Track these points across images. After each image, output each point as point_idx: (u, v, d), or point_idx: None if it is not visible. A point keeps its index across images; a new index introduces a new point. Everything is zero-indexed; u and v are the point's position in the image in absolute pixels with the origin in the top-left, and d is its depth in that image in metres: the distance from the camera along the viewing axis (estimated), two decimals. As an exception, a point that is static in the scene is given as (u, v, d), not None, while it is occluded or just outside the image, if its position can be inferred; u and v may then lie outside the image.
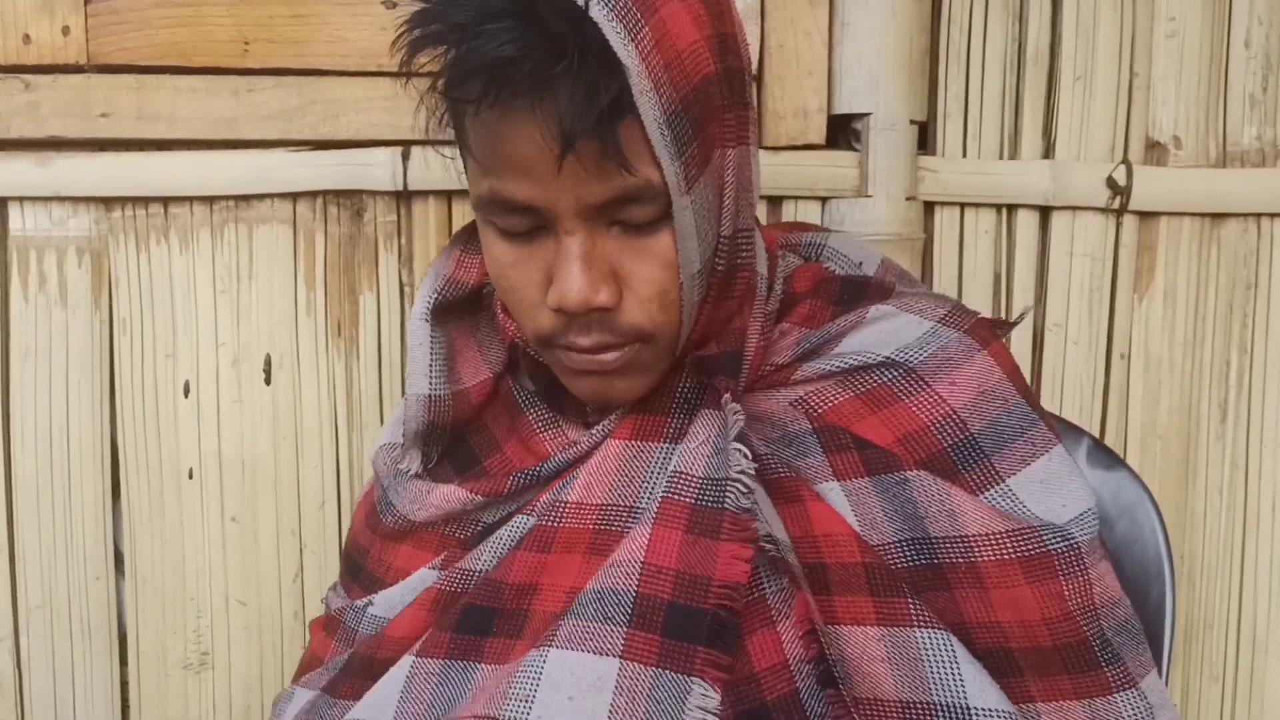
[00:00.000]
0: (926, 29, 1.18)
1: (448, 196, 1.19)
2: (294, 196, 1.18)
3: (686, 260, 0.71)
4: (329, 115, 1.17)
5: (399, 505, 0.84)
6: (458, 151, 0.74)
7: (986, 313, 1.20)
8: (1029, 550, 0.71)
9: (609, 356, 0.73)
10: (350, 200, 1.19)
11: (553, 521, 0.77)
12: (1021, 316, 0.89)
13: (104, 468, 1.22)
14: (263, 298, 1.20)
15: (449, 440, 0.85)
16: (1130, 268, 1.21)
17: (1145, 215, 1.20)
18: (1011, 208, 1.20)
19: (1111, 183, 1.18)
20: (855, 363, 0.77)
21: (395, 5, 1.15)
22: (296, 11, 1.16)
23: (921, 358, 0.76)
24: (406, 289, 1.20)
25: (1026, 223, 1.21)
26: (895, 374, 0.76)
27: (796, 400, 0.78)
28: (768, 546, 0.72)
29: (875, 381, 0.77)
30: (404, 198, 1.19)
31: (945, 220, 1.21)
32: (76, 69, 1.15)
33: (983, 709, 0.68)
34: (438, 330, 0.83)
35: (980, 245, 1.21)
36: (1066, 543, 0.71)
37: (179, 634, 1.23)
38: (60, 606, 1.23)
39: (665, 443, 0.77)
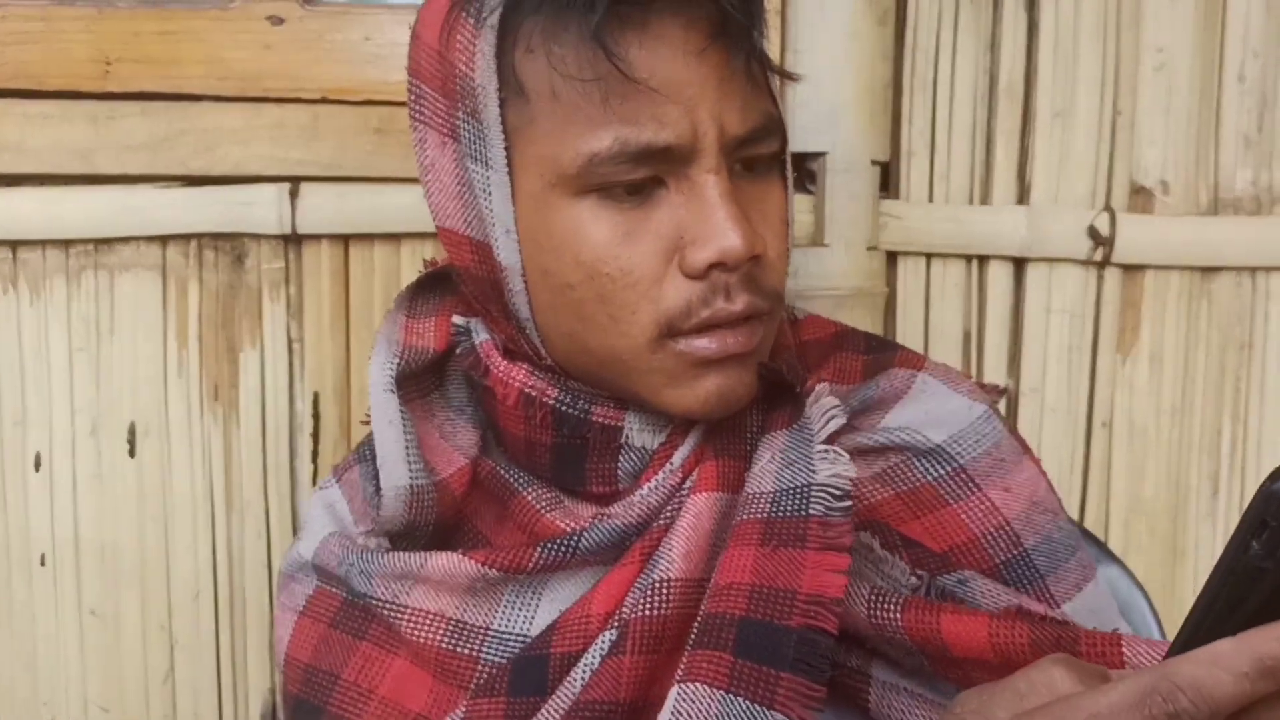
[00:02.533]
0: (889, 57, 1.05)
1: (344, 240, 1.05)
2: (163, 240, 1.04)
3: (791, 221, 0.69)
4: (203, 147, 1.03)
5: (380, 591, 0.69)
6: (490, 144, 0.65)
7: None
8: None
9: (745, 332, 0.65)
10: (229, 244, 1.05)
11: (664, 609, 0.62)
12: (1001, 392, 0.82)
13: (-60, 553, 1.06)
14: (127, 356, 1.05)
15: (426, 547, 0.71)
16: (1113, 326, 1.10)
17: (1129, 268, 1.09)
18: (983, 259, 1.09)
19: (1093, 232, 1.07)
20: (901, 441, 0.69)
21: (282, 22, 1.01)
22: (166, 28, 1.02)
23: (974, 454, 0.70)
24: (296, 345, 1.06)
25: (999, 275, 1.10)
26: (943, 471, 0.69)
27: None
28: None
29: (919, 479, 0.69)
30: (292, 241, 1.04)
31: (910, 272, 1.09)
32: (-95, 91, 1.01)
33: None
34: (405, 407, 0.70)
35: (948, 300, 1.09)
36: None
37: (28, 744, 1.07)
38: (-112, 713, 1.07)
39: None
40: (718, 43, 0.62)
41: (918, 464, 0.69)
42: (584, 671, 0.62)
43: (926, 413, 0.71)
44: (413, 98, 0.68)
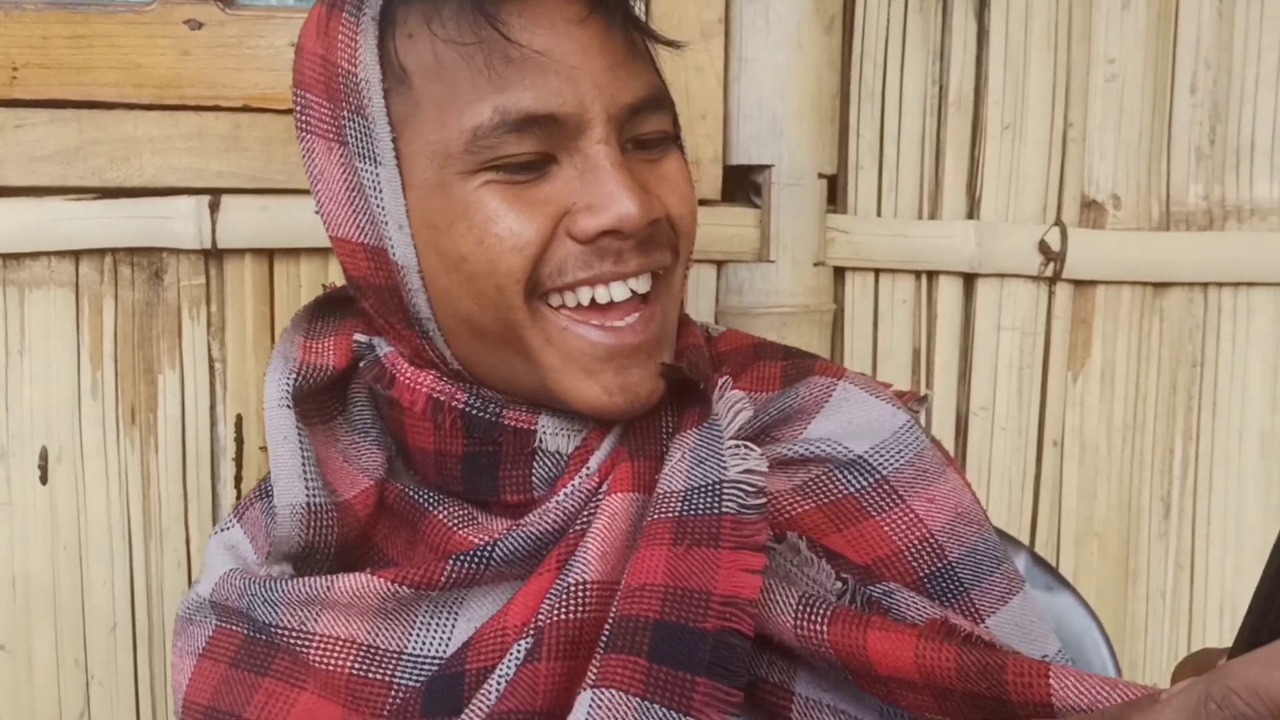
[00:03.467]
0: (837, 67, 1.02)
1: (268, 255, 1.00)
2: (76, 255, 1.00)
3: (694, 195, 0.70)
4: (118, 157, 0.98)
5: (285, 624, 0.66)
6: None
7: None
8: None
9: (640, 331, 0.66)
10: (146, 259, 1.01)
11: (581, 611, 0.60)
12: (922, 400, 0.80)
13: None
14: (38, 377, 1.01)
15: (331, 571, 0.68)
16: (1064, 343, 1.08)
17: (1080, 284, 1.07)
18: (932, 274, 1.07)
19: (1044, 247, 1.05)
20: (822, 453, 0.69)
21: (201, 26, 0.96)
22: (77, 32, 0.97)
23: (897, 465, 0.69)
24: (217, 366, 1.01)
25: (949, 291, 1.07)
26: (865, 483, 0.68)
27: None
28: None
29: (841, 491, 0.68)
30: (213, 256, 1.00)
31: (858, 288, 1.06)
32: None
33: None
34: (302, 424, 0.68)
35: (897, 317, 1.07)
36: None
37: (-65, 787, 1.02)
38: None
39: None
40: (598, 12, 0.63)
41: (839, 476, 0.68)
42: (499, 682, 0.61)
43: (848, 422, 0.70)
44: (298, 109, 0.68)
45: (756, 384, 0.75)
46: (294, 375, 0.69)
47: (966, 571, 0.68)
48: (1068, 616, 0.86)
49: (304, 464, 0.67)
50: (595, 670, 0.58)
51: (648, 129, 0.66)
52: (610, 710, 0.56)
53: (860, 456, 0.69)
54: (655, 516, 0.63)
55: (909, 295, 1.06)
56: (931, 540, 0.68)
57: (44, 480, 1.01)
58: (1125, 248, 1.06)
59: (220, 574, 0.71)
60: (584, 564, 0.62)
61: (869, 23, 1.03)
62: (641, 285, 0.66)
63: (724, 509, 0.61)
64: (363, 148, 0.65)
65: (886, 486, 0.68)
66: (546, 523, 0.65)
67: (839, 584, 0.64)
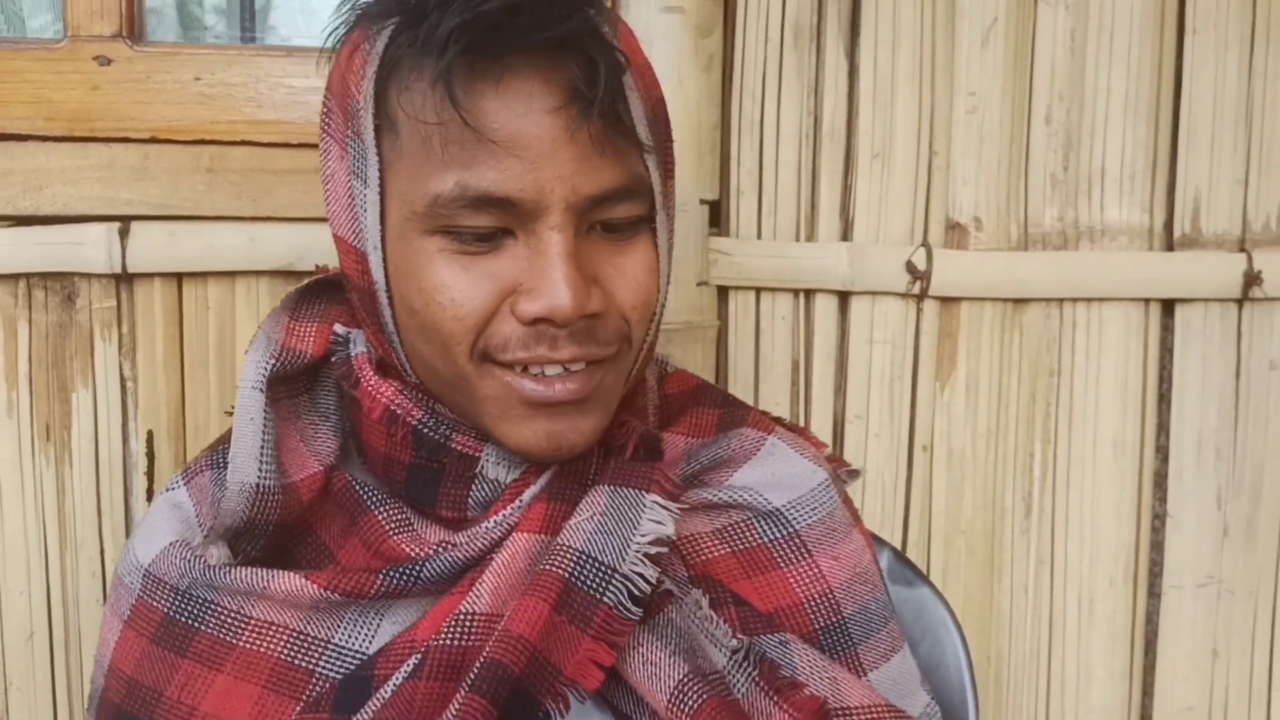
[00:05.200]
0: (717, 101, 1.09)
1: (177, 278, 1.05)
2: None
3: (662, 283, 0.69)
4: (31, 187, 1.02)
5: (217, 610, 0.69)
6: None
7: (784, 408, 1.13)
8: None
9: (575, 385, 0.67)
10: (59, 284, 1.04)
11: (465, 640, 0.64)
12: (855, 474, 0.84)
13: None
14: None
15: (265, 548, 0.72)
16: (932, 355, 1.15)
17: (946, 300, 1.14)
18: (809, 292, 1.13)
19: (911, 267, 1.11)
20: (741, 500, 0.73)
21: (110, 62, 1.00)
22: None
23: (809, 521, 0.74)
24: (129, 384, 1.05)
25: (825, 308, 1.13)
26: (779, 535, 0.73)
27: (671, 545, 0.70)
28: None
29: (756, 540, 0.73)
30: (124, 280, 1.04)
31: (740, 306, 1.12)
32: None
33: None
34: (269, 408, 0.71)
35: (777, 332, 1.13)
36: None
37: None
38: None
39: None
40: (574, 102, 0.62)
41: (756, 525, 0.73)
42: (385, 692, 0.65)
43: (772, 474, 0.75)
44: (323, 111, 0.70)
45: (694, 429, 0.78)
46: (272, 361, 0.71)
47: (857, 628, 0.73)
48: (925, 607, 0.92)
49: (262, 447, 0.70)
50: (458, 704, 0.62)
51: (616, 215, 0.66)
52: None
53: (778, 509, 0.74)
54: (548, 567, 0.66)
55: (788, 312, 1.13)
56: (830, 596, 0.73)
57: None
58: (986, 267, 1.13)
59: (163, 545, 0.73)
60: (477, 595, 0.66)
61: (747, 60, 1.10)
62: (575, 368, 0.67)
63: (605, 598, 0.65)
64: (358, 167, 0.67)
65: (797, 540, 0.73)
66: (473, 548, 0.68)
67: (735, 642, 0.68)
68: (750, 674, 0.68)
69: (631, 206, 0.66)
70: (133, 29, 1.02)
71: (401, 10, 0.64)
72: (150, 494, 1.06)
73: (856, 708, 0.69)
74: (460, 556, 0.68)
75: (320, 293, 0.78)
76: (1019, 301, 1.15)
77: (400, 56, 0.64)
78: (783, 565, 0.73)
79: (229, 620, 0.69)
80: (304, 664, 0.68)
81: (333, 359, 0.74)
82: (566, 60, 0.62)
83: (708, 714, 0.64)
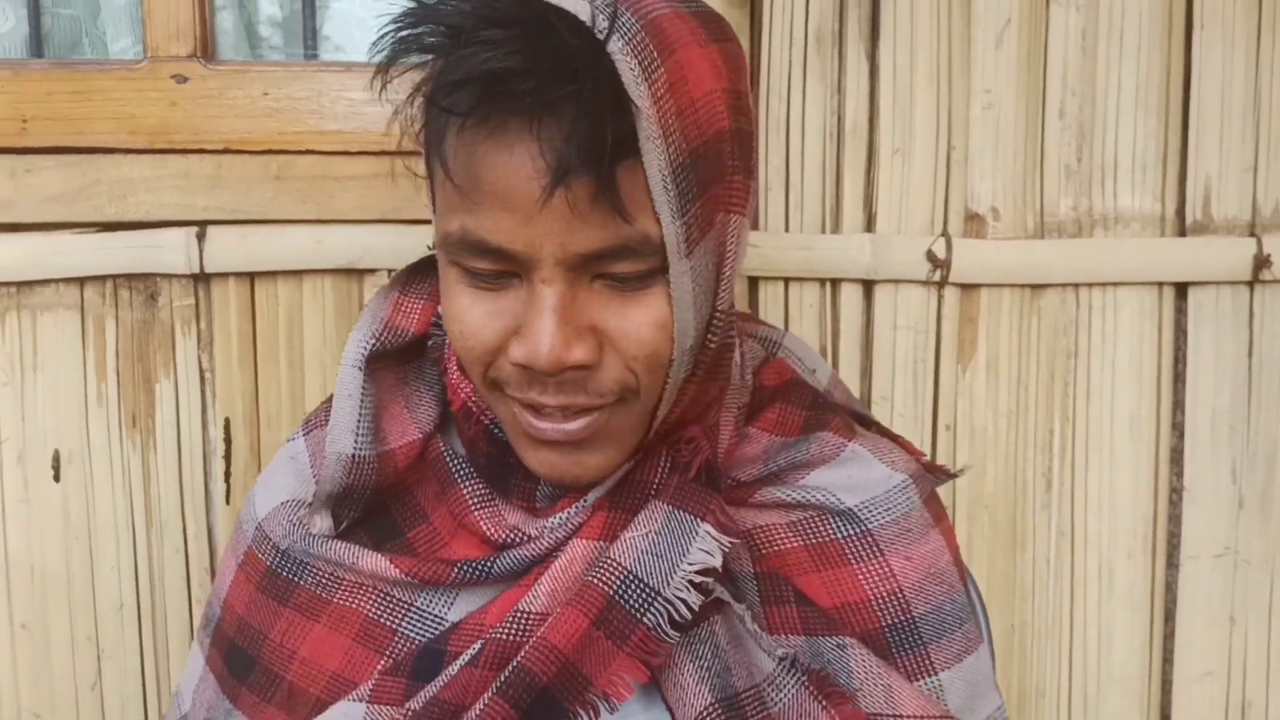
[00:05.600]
0: (744, 103, 1.15)
1: (249, 278, 1.13)
2: (81, 281, 1.12)
3: (682, 331, 0.66)
4: (116, 196, 1.11)
5: (315, 570, 0.74)
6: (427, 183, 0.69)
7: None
8: None
9: (575, 425, 0.67)
10: (143, 284, 1.13)
11: (518, 636, 0.68)
12: (962, 471, 0.86)
13: (-124, 576, 1.13)
14: (50, 389, 1.13)
15: (365, 508, 0.75)
16: (953, 339, 1.21)
17: (966, 287, 1.20)
18: (835, 282, 1.19)
19: (931, 256, 1.18)
20: (816, 500, 0.74)
21: (186, 80, 1.09)
22: (78, 87, 1.09)
23: (883, 521, 0.74)
24: (207, 376, 1.14)
25: (850, 296, 1.20)
26: (851, 531, 0.73)
27: (744, 534, 0.73)
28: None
29: (828, 535, 0.74)
30: (201, 280, 1.13)
31: (770, 295, 1.19)
32: None
33: None
34: (367, 383, 0.74)
35: (806, 320, 1.19)
36: None
37: (-35, 751, 1.15)
38: None
39: None
40: (572, 161, 0.60)
41: (830, 521, 0.74)
42: (451, 670, 0.68)
43: (848, 477, 0.75)
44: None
45: (779, 426, 0.77)
46: (372, 341, 0.74)
47: (928, 628, 0.73)
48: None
49: (359, 421, 0.73)
50: (483, 704, 0.65)
51: (616, 271, 0.64)
52: None
53: (850, 508, 0.74)
54: (595, 581, 0.67)
55: (815, 301, 1.19)
56: (899, 595, 0.73)
57: (56, 479, 1.13)
58: (1005, 254, 1.19)
59: (276, 502, 0.78)
60: (535, 595, 0.68)
61: (773, 63, 1.16)
62: (577, 429, 0.67)
63: (645, 619, 0.66)
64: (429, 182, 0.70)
65: (870, 539, 0.73)
66: (540, 547, 0.71)
67: (781, 651, 0.69)
68: (798, 681, 0.69)
69: (632, 264, 0.64)
70: (206, 49, 1.11)
71: (432, 48, 0.63)
72: (228, 476, 1.14)
73: (910, 717, 0.70)
74: (527, 555, 0.71)
75: (432, 269, 0.77)
76: (1036, 287, 1.21)
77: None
78: (853, 562, 0.73)
79: (324, 579, 0.74)
80: (389, 622, 0.72)
81: (430, 343, 0.76)
82: (562, 116, 0.59)
83: None
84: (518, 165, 0.61)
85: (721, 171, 0.66)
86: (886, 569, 0.73)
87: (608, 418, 0.68)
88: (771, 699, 0.69)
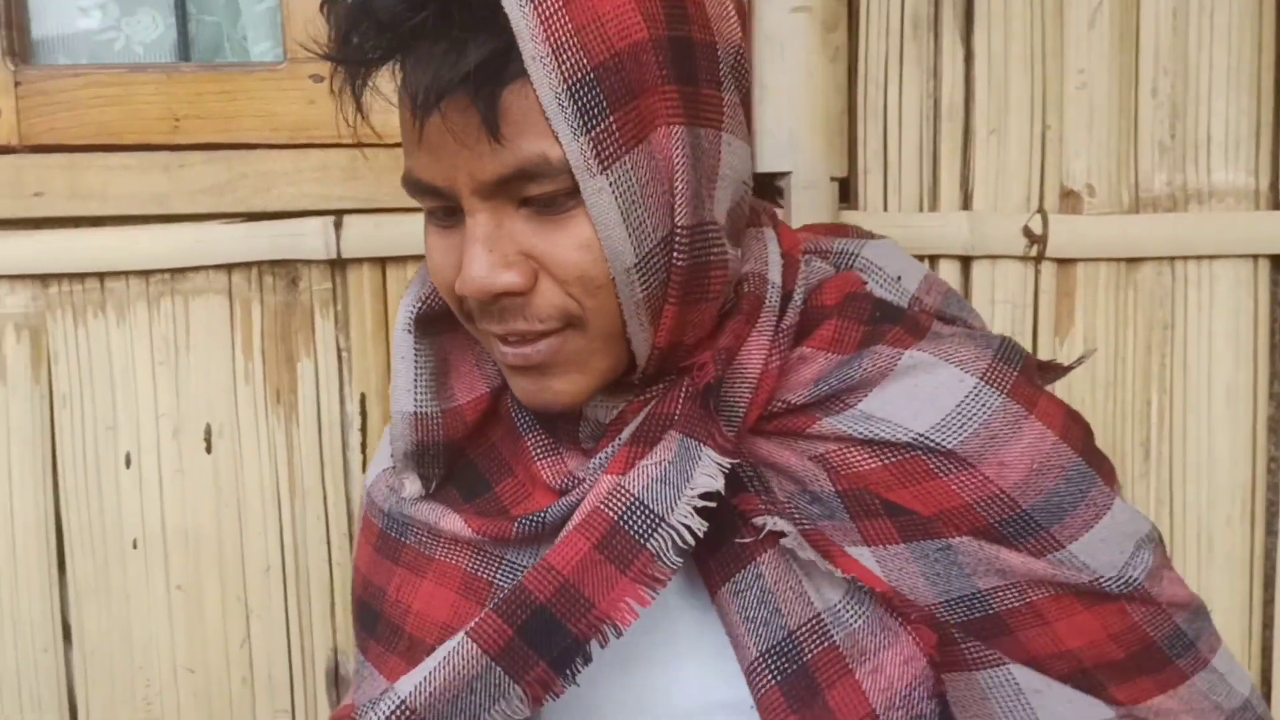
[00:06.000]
0: (843, 89, 1.21)
1: (382, 263, 1.21)
2: (229, 268, 1.20)
3: (615, 251, 0.64)
4: (260, 188, 1.19)
5: (415, 530, 0.77)
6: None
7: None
8: (1084, 585, 0.69)
9: (529, 349, 0.68)
10: (285, 269, 1.21)
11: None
12: (1082, 360, 0.83)
13: (49, 541, 1.23)
14: (201, 368, 1.22)
15: (450, 461, 0.78)
16: (1050, 313, 1.24)
17: (1063, 262, 1.23)
18: (934, 258, 1.23)
19: (1028, 232, 1.22)
20: (881, 435, 0.69)
21: (323, 79, 1.18)
22: (225, 88, 1.18)
23: (962, 438, 0.69)
24: (344, 354, 1.22)
25: (948, 272, 1.24)
26: (928, 454, 0.69)
27: (816, 457, 0.71)
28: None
29: (906, 454, 0.69)
30: (338, 265, 1.21)
31: (869, 272, 1.23)
32: (8, 150, 1.17)
33: None
34: (424, 342, 0.75)
35: (904, 295, 1.24)
36: (1122, 581, 0.70)
37: (129, 703, 1.24)
38: (9, 680, 1.24)
39: None
40: (433, 90, 0.61)
41: (905, 451, 0.70)
42: None
43: (910, 391, 0.70)
44: None
45: (835, 344, 0.73)
46: (420, 304, 0.75)
47: (1043, 515, 0.69)
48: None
49: (415, 379, 0.75)
50: (478, 620, 0.66)
51: (531, 193, 0.64)
52: (465, 660, 0.66)
53: (921, 435, 0.69)
54: (602, 507, 0.67)
55: None
56: (1002, 496, 0.68)
57: (208, 451, 1.22)
58: (1100, 230, 1.23)
59: (379, 469, 0.81)
60: (565, 531, 0.69)
61: (870, 50, 1.21)
62: (533, 352, 0.68)
63: (649, 544, 0.66)
64: None
65: (954, 457, 0.69)
66: (585, 490, 0.71)
67: (840, 590, 0.68)
68: (867, 609, 0.68)
69: (541, 186, 0.63)
70: (340, 51, 1.19)
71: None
72: (364, 447, 1.22)
73: (1027, 582, 0.69)
74: (574, 500, 0.71)
75: None
76: (1132, 261, 1.24)
77: None
78: (941, 475, 0.69)
79: (424, 538, 0.77)
80: (485, 575, 0.75)
81: None
82: (428, 45, 0.61)
83: (771, 700, 0.68)
84: (407, 102, 0.63)
85: (647, 84, 0.63)
86: (980, 477, 0.69)
87: (562, 342, 0.68)
88: (834, 628, 0.68)
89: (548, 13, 0.61)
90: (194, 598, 1.23)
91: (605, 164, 0.63)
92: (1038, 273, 1.24)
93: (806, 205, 1.19)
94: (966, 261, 1.24)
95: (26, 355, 1.20)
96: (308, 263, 1.21)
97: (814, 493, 0.71)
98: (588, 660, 0.66)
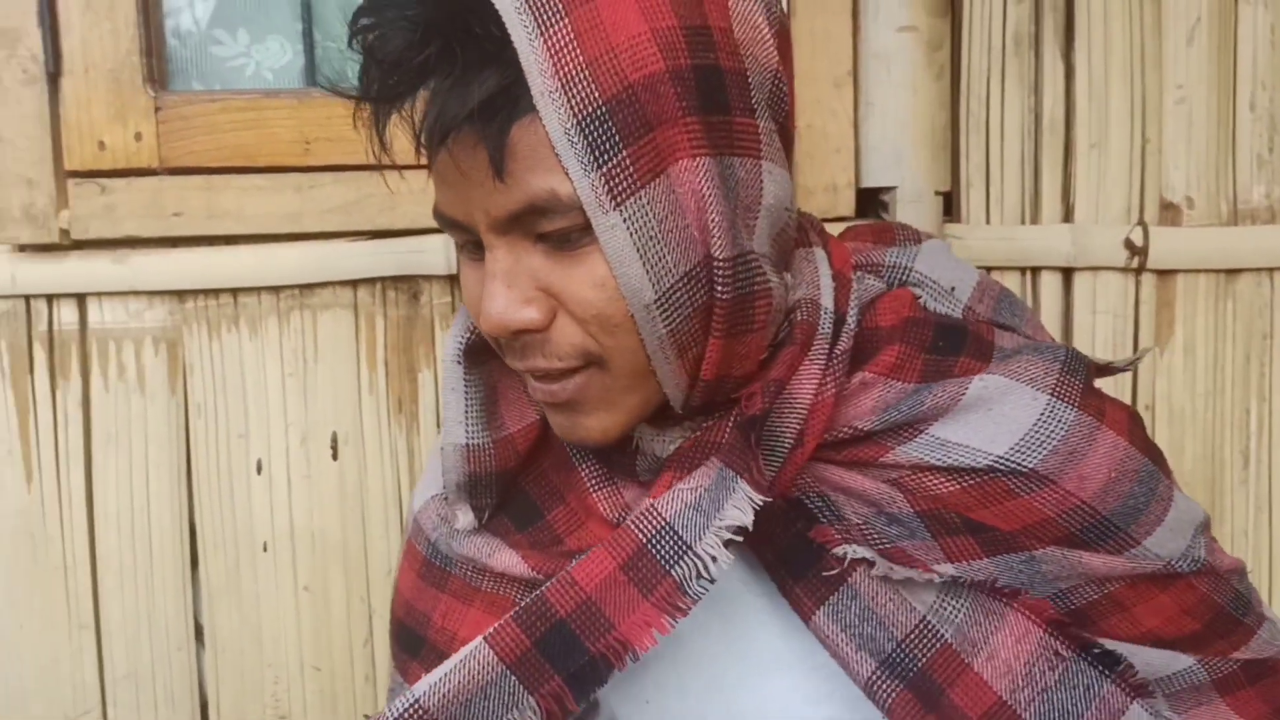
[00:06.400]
0: (946, 105, 1.24)
1: (498, 278, 1.26)
2: (354, 283, 1.25)
3: (632, 288, 0.63)
4: (386, 207, 1.24)
5: (459, 563, 0.78)
6: None
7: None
8: (1158, 570, 0.71)
9: (555, 386, 0.67)
10: (407, 285, 1.26)
11: None
12: (1138, 359, 0.84)
13: (183, 544, 1.29)
14: (328, 379, 1.27)
15: (501, 490, 0.78)
16: (1151, 323, 1.26)
17: (1163, 273, 1.26)
18: (1035, 270, 1.26)
19: (1129, 243, 1.24)
20: (962, 463, 0.69)
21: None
22: (353, 112, 1.23)
23: (1041, 456, 0.69)
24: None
25: (1050, 284, 1.26)
26: (1009, 476, 0.69)
27: (890, 481, 0.71)
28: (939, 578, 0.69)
29: (985, 476, 0.70)
30: (457, 280, 1.25)
31: (971, 284, 1.26)
32: (149, 172, 1.23)
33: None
34: (474, 373, 0.76)
35: (1006, 306, 1.26)
36: (1189, 560, 0.72)
37: (257, 699, 1.30)
38: (144, 677, 1.30)
39: None
40: (438, 126, 0.62)
41: (984, 475, 0.70)
42: None
43: (985, 422, 0.70)
44: None
45: (896, 370, 0.72)
46: (468, 334, 0.75)
47: (1121, 518, 0.70)
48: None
49: (466, 410, 0.75)
50: (496, 627, 0.67)
51: (544, 229, 0.63)
52: (480, 665, 0.67)
53: (1000, 457, 0.69)
54: (633, 524, 0.67)
55: (1016, 288, 1.26)
56: (1084, 507, 0.69)
57: (335, 458, 1.27)
58: (1200, 241, 1.25)
59: (427, 496, 0.81)
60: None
61: (973, 67, 1.24)
62: (559, 391, 0.68)
63: (674, 571, 0.66)
64: None
65: (1035, 476, 0.69)
66: None
67: (934, 591, 0.69)
68: (969, 594, 0.69)
69: (553, 221, 0.63)
70: (460, 75, 1.24)
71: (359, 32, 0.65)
72: (483, 454, 1.27)
73: (1106, 577, 0.70)
74: None
75: None
76: (1231, 272, 1.26)
77: None
78: (1023, 494, 0.69)
79: (471, 570, 0.77)
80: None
81: None
82: (457, 88, 0.60)
83: (899, 709, 0.68)
84: (453, 152, 0.63)
85: (664, 117, 0.61)
86: (1062, 492, 0.69)
87: (586, 380, 0.67)
88: (941, 627, 0.69)
89: (558, 45, 0.60)
90: (320, 598, 1.28)
91: (618, 200, 0.61)
92: (1138, 284, 1.26)
93: (911, 218, 1.22)
94: (1068, 273, 1.26)
95: (164, 367, 1.27)
96: (428, 278, 1.25)
97: (891, 514, 0.71)
98: (602, 683, 0.66)
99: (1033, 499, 0.69)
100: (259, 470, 1.27)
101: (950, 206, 1.26)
